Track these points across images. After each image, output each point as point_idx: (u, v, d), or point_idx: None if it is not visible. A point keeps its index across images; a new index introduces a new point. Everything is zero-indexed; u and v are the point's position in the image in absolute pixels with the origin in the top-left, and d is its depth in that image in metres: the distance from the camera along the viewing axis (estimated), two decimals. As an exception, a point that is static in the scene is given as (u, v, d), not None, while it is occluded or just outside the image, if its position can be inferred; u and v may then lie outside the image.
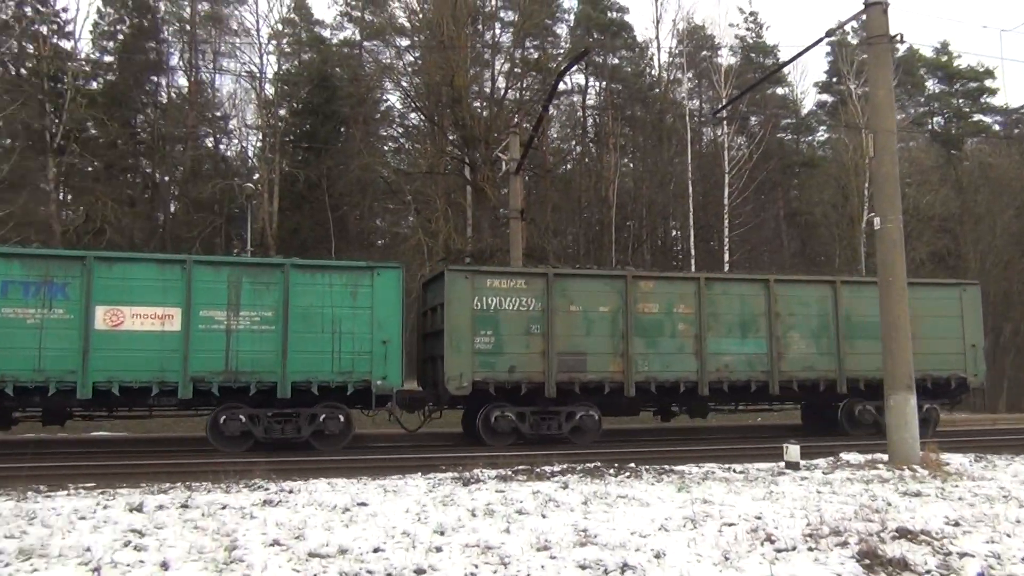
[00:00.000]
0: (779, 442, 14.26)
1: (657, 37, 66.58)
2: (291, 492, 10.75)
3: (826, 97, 60.58)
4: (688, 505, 9.68)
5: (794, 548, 7.67)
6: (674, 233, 54.13)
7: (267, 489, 11.04)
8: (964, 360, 20.65)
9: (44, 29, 39.56)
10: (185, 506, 9.63)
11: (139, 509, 9.41)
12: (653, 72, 55.24)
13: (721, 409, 21.12)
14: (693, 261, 43.29)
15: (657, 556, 7.40)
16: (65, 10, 43.37)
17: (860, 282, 21.21)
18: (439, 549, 7.60)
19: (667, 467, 13.35)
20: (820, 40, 17.01)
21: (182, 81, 48.75)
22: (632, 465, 13.35)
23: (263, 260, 19.82)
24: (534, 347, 17.92)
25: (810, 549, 7.67)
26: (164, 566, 7.01)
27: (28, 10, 39.37)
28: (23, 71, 39.33)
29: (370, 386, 16.93)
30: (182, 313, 16.07)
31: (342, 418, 17.09)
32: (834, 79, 56.31)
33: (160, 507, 9.55)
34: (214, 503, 9.77)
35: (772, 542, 7.86)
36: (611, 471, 12.75)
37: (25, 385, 15.47)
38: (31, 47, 39.05)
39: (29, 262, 15.79)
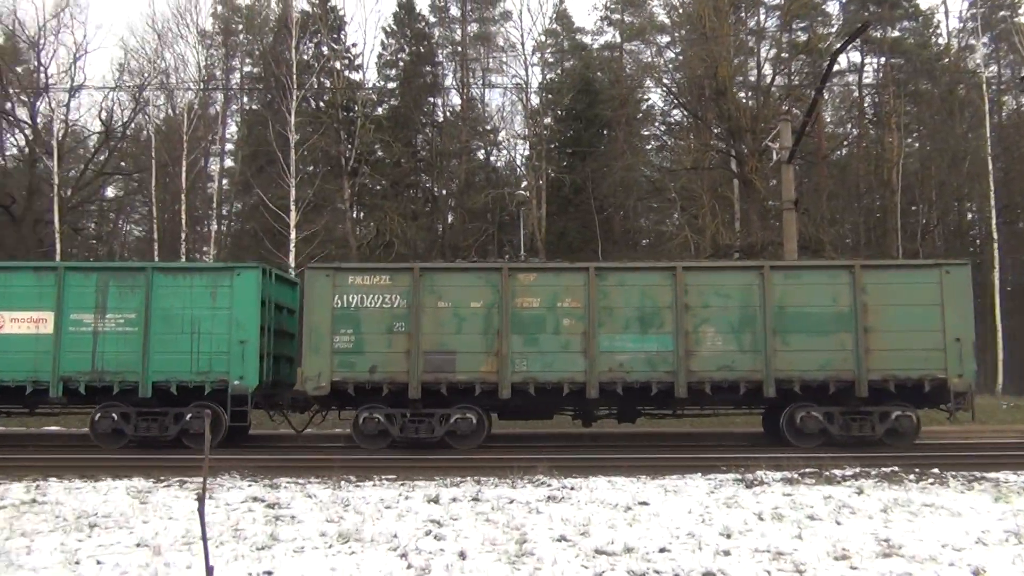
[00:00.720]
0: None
1: (944, 2, 61.66)
2: (572, 489, 11.15)
3: None
4: (1009, 517, 9.22)
5: None
6: (970, 216, 49.83)
7: (550, 485, 11.55)
8: (944, 357, 17.21)
9: (338, 64, 44.89)
10: (476, 499, 10.37)
11: (436, 501, 10.28)
12: (940, 41, 51.04)
13: (611, 415, 19.23)
14: (996, 246, 39.83)
15: (976, 573, 7.10)
16: (354, 45, 48.57)
17: (797, 266, 18.78)
18: (727, 553, 7.69)
19: (978, 474, 12.67)
20: None
21: (455, 100, 52.94)
22: (936, 471, 12.97)
23: (128, 264, 21.50)
24: (397, 346, 17.70)
25: None
26: (462, 555, 7.57)
27: (325, 49, 44.64)
28: (321, 104, 44.58)
29: (227, 386, 17.81)
30: (54, 317, 18.00)
31: (214, 416, 17.80)
32: None
33: (454, 499, 10.36)
34: (502, 497, 10.36)
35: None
36: (911, 476, 12.45)
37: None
38: (327, 82, 44.08)
39: None
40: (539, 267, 18.78)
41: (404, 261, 27.83)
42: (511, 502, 10.04)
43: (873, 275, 17.71)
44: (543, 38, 51.01)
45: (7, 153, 48.09)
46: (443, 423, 17.78)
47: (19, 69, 43.88)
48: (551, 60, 52.49)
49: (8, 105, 43.02)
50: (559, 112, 48.69)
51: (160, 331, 17.94)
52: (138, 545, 8.00)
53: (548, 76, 51.24)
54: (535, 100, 47.83)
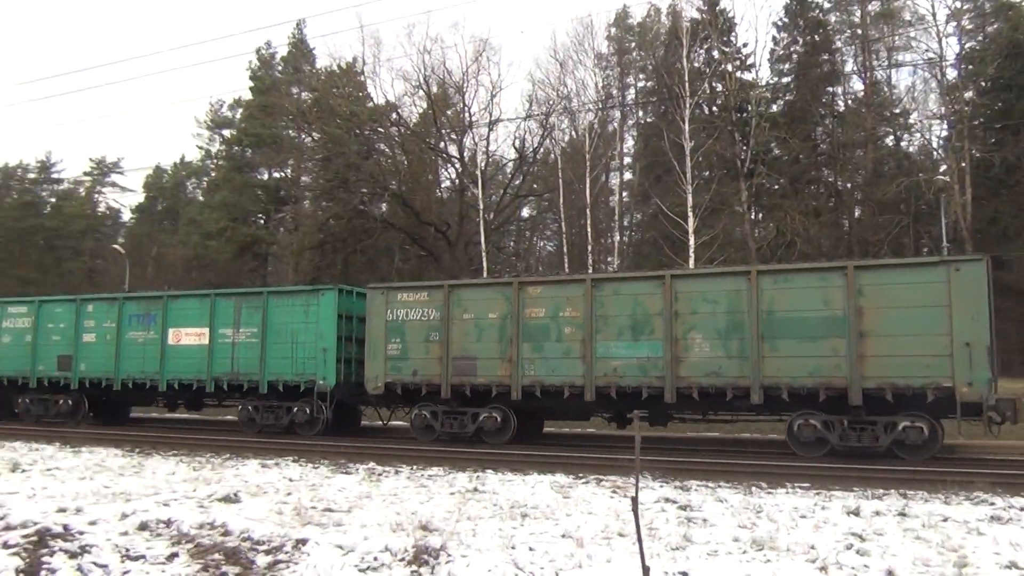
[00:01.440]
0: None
1: None
2: (1022, 509, 10.33)
3: None
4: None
5: None
6: None
7: (992, 504, 10.76)
8: (951, 364, 15.36)
9: (729, 67, 46.29)
10: (903, 514, 9.85)
11: (856, 513, 9.95)
12: None
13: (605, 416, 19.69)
14: None
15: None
16: (745, 45, 48.76)
17: (786, 270, 17.54)
18: None
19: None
20: None
21: (857, 86, 51.25)
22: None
23: (252, 290, 25.10)
24: (432, 353, 20.07)
25: None
26: (889, 574, 7.25)
27: (715, 54, 46.60)
28: (714, 108, 46.90)
29: (314, 385, 21.48)
30: (209, 332, 22.99)
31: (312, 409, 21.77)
32: None
33: (876, 513, 9.94)
34: (933, 514, 9.78)
35: None
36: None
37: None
38: (719, 86, 45.90)
39: (137, 302, 24.54)
40: (543, 280, 20.10)
41: (807, 261, 29.13)
42: (945, 520, 9.49)
43: (869, 276, 16.39)
44: (959, 3, 47.17)
45: (443, 185, 55.55)
46: (474, 420, 19.86)
47: (449, 112, 50.03)
48: (970, 27, 48.20)
49: (442, 144, 50.30)
50: (983, 84, 45.21)
51: (272, 341, 22.21)
52: (563, 536, 8.60)
53: (967, 45, 47.33)
54: (952, 74, 44.81)
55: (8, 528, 8.00)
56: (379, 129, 51.13)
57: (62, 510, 8.91)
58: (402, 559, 7.37)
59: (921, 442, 15.90)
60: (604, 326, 18.48)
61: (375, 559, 7.34)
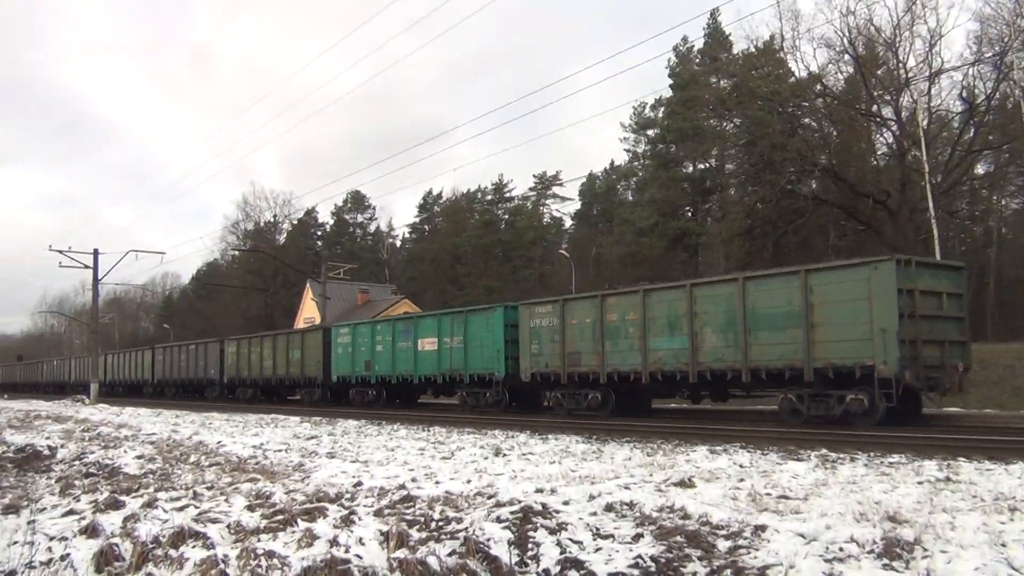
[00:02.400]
0: None
1: None
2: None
3: None
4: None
5: None
6: None
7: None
8: (871, 347, 18.51)
9: None
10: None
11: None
12: None
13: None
14: None
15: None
16: None
17: (764, 275, 21.05)
18: None
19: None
20: None
21: None
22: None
23: (453, 310, 31.07)
24: (555, 350, 25.88)
25: None
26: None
27: None
28: None
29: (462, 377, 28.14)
30: (437, 340, 30.44)
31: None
32: None
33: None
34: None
35: None
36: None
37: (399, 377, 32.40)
38: None
39: (403, 322, 32.50)
40: (616, 292, 25.17)
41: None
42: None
43: (816, 277, 19.75)
44: None
45: (878, 152, 53.12)
46: (585, 399, 25.50)
47: (879, 72, 47.13)
48: None
49: (874, 108, 47.71)
50: None
51: (471, 346, 29.21)
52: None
53: None
54: None
55: (499, 505, 8.61)
56: (803, 104, 50.44)
57: (539, 491, 9.42)
58: (871, 551, 6.75)
59: (862, 411, 19.03)
60: (653, 326, 23.21)
61: (840, 549, 6.79)
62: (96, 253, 51.79)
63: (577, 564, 6.73)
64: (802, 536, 7.23)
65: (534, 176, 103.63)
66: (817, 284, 19.59)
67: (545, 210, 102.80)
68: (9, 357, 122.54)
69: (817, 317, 19.53)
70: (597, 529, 7.71)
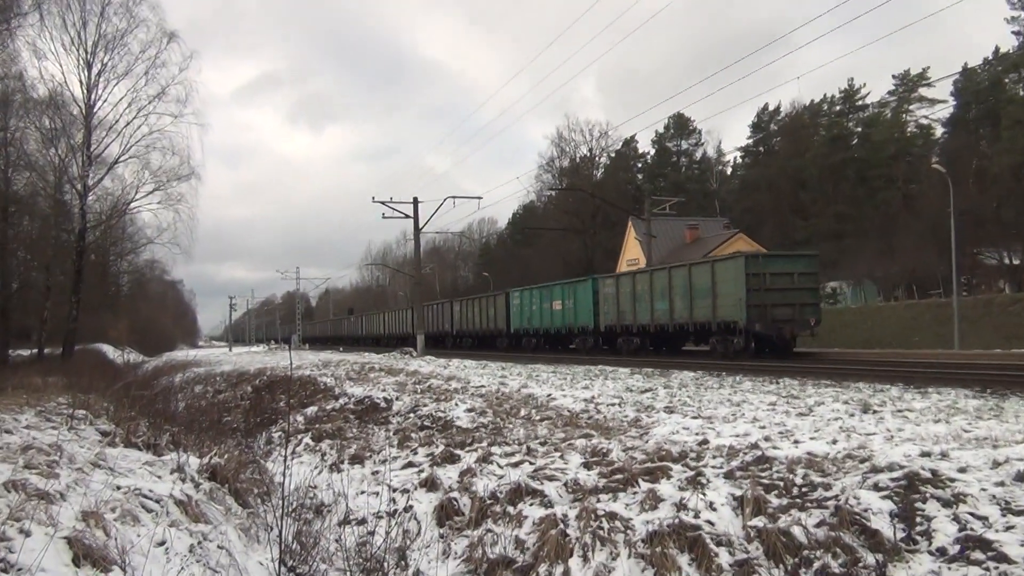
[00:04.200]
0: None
1: None
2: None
3: None
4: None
5: None
6: None
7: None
8: (736, 310, 30.80)
9: None
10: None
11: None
12: None
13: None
14: None
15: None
16: None
17: (698, 263, 34.08)
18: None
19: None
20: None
21: None
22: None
23: (562, 282, 44.85)
24: (614, 309, 39.33)
25: None
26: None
27: None
28: None
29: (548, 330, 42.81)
30: (562, 302, 44.71)
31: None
32: None
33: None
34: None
35: None
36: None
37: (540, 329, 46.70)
38: None
39: (541, 290, 47.53)
40: (637, 270, 38.64)
41: None
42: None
43: (718, 265, 33.02)
44: None
45: None
46: (631, 343, 39.20)
47: None
48: None
49: None
50: None
51: (571, 308, 43.61)
52: None
53: None
54: None
55: (875, 471, 7.36)
56: None
57: (925, 454, 7.88)
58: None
59: (742, 348, 32.13)
60: (656, 293, 36.26)
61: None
62: (416, 202, 53.23)
63: (983, 544, 5.80)
64: None
65: (893, 77, 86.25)
66: (718, 271, 32.81)
67: (909, 117, 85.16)
68: (341, 311, 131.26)
69: (718, 291, 32.91)
70: (1007, 503, 6.36)
